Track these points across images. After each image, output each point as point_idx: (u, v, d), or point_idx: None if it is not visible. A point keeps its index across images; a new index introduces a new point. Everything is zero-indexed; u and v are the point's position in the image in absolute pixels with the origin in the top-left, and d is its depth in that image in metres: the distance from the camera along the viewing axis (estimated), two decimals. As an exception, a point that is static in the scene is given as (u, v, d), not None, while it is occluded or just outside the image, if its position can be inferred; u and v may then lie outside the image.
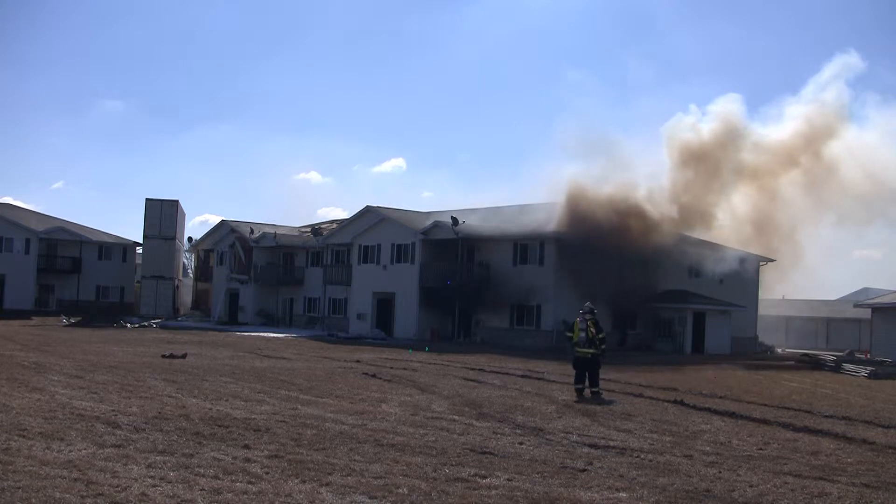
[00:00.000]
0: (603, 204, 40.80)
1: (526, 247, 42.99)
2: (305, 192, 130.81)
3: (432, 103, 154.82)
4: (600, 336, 18.12)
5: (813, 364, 35.07)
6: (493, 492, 8.27)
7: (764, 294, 50.59)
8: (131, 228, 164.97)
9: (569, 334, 18.61)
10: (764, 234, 46.07)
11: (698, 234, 44.35)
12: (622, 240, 39.36)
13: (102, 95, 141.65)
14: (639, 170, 43.85)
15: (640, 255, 39.76)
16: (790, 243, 45.80)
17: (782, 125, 45.46)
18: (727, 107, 45.39)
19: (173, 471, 8.44)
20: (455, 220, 44.25)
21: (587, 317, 18.24)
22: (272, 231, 59.45)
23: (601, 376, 18.50)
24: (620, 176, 42.30)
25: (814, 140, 42.94)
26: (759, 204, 45.51)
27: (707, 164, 43.03)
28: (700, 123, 45.40)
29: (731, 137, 43.44)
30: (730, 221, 45.34)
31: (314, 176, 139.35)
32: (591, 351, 17.95)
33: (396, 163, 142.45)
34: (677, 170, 44.15)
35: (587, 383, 17.88)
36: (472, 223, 44.90)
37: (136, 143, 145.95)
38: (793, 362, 38.44)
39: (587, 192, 41.60)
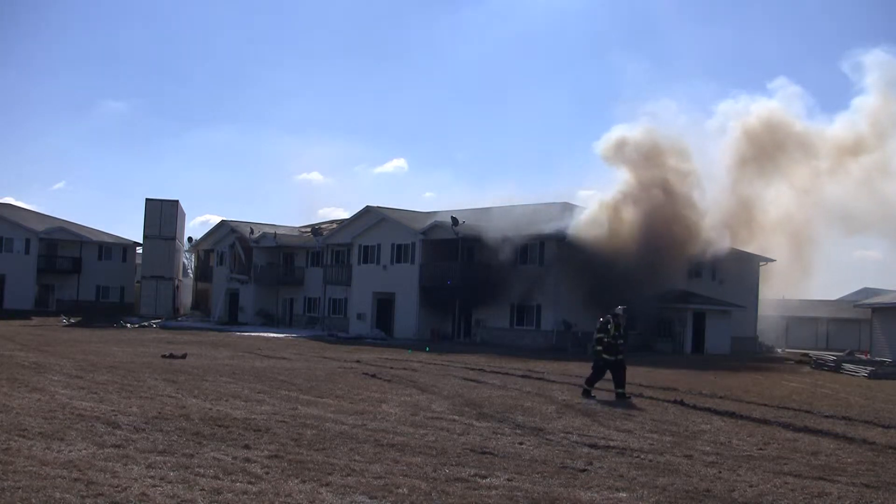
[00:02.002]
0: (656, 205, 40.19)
1: (526, 247, 42.97)
2: (307, 192, 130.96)
3: (434, 104, 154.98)
4: (596, 337, 18.02)
5: (813, 364, 35.07)
6: (493, 492, 8.26)
7: (764, 294, 50.59)
8: (132, 228, 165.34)
9: None
10: (789, 235, 45.38)
11: (742, 238, 43.75)
12: (661, 246, 38.95)
13: (105, 96, 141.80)
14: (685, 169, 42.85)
15: (653, 258, 39.27)
16: (808, 245, 45.36)
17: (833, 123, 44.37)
18: (781, 99, 44.25)
19: (173, 471, 8.43)
20: (455, 220, 44.23)
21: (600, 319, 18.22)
22: (272, 231, 59.47)
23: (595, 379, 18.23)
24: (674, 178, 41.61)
25: (869, 139, 41.79)
26: (796, 203, 44.74)
27: (757, 159, 42.00)
28: (748, 116, 44.15)
29: (783, 132, 42.29)
30: (761, 220, 44.46)
31: (316, 176, 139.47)
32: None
33: (398, 163, 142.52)
34: (729, 169, 43.19)
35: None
36: (472, 223, 44.86)
37: (139, 143, 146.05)
38: (793, 362, 38.45)
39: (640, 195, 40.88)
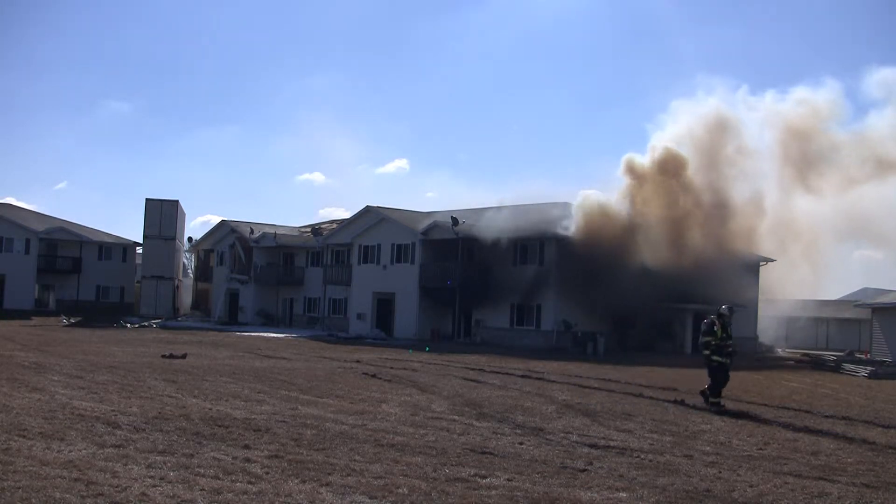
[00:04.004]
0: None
1: (526, 247, 42.95)
2: (308, 193, 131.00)
3: (435, 105, 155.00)
4: (703, 340, 16.92)
5: (813, 364, 35.04)
6: (493, 492, 8.26)
7: (764, 294, 50.48)
8: (132, 228, 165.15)
9: None
10: (803, 239, 44.78)
11: (760, 239, 43.33)
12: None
13: (108, 97, 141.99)
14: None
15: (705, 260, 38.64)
16: (820, 248, 45.02)
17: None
18: (818, 94, 42.98)
19: (173, 471, 8.43)
20: (455, 220, 44.22)
21: None
22: (272, 231, 59.47)
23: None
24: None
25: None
26: (816, 208, 43.95)
27: (790, 162, 41.27)
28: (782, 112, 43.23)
29: (815, 135, 41.21)
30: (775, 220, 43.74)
31: (318, 177, 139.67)
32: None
33: (400, 164, 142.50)
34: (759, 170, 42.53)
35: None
36: (473, 223, 44.79)
37: (141, 144, 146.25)
38: (793, 362, 38.41)
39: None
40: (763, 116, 44.20)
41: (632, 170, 41.75)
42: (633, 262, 38.17)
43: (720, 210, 40.21)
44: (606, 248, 38.21)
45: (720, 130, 41.52)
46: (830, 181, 42.26)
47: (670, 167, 40.42)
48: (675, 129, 42.62)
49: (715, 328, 16.80)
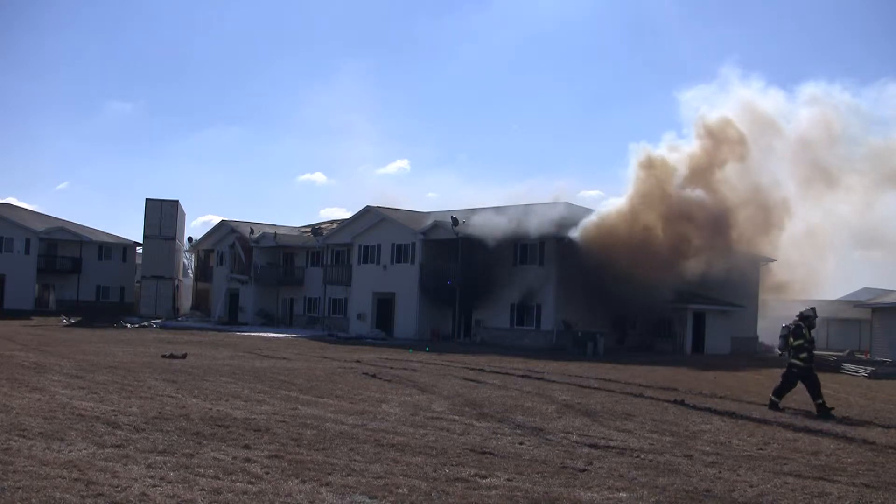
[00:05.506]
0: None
1: (526, 247, 42.96)
2: (310, 192, 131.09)
3: (436, 105, 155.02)
4: (795, 344, 16.47)
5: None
6: (493, 492, 8.26)
7: (764, 294, 50.45)
8: (132, 228, 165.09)
9: None
10: (811, 241, 44.49)
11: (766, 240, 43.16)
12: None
13: (109, 97, 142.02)
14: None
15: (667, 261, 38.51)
16: (826, 251, 44.85)
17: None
18: (828, 94, 42.76)
19: (173, 471, 8.43)
20: (455, 220, 44.24)
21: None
22: (272, 231, 59.50)
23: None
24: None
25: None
26: (826, 212, 43.71)
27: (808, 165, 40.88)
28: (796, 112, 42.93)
29: (832, 132, 40.98)
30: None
31: (319, 177, 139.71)
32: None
33: (401, 164, 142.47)
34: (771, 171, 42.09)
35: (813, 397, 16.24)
36: (473, 223, 44.78)
37: (143, 144, 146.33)
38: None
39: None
40: (779, 115, 43.91)
41: (673, 148, 41.34)
42: (638, 259, 37.99)
43: (755, 210, 39.97)
44: (627, 235, 37.87)
45: (758, 125, 41.24)
46: (845, 185, 42.13)
47: (728, 137, 39.67)
48: (710, 122, 42.05)
49: (804, 331, 16.49)
